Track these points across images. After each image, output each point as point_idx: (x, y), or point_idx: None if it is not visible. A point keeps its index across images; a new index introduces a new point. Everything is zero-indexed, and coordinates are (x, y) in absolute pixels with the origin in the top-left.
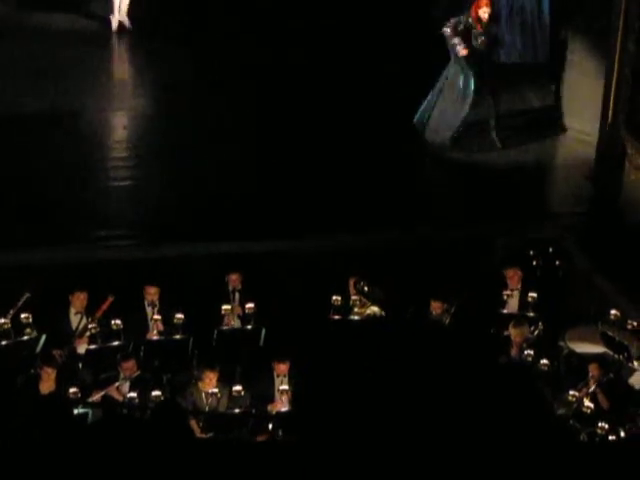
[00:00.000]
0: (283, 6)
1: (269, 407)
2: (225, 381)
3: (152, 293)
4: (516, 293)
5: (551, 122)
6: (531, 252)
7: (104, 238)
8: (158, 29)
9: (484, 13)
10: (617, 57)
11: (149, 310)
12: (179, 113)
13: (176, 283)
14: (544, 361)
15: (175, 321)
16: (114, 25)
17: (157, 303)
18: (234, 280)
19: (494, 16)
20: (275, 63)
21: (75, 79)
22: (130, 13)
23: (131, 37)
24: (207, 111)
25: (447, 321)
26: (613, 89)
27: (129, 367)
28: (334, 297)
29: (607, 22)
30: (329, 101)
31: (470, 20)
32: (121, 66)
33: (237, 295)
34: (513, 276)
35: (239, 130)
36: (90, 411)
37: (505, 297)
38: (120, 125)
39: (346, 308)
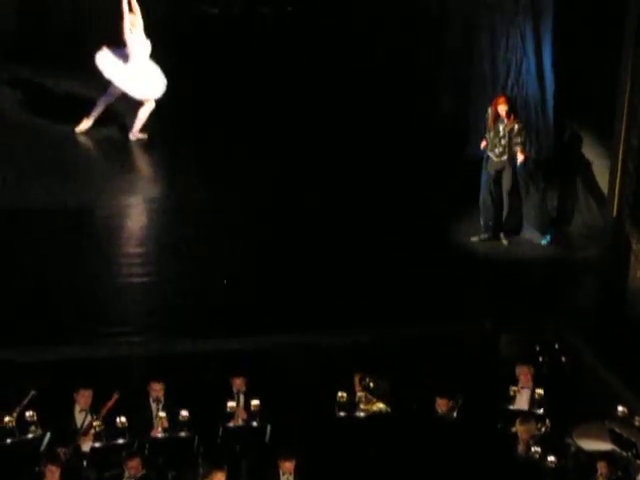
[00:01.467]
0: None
1: None
2: (231, 478)
3: (157, 389)
4: (527, 390)
5: (560, 221)
6: (537, 348)
7: (109, 335)
8: (170, 129)
9: (502, 110)
10: (621, 151)
11: (154, 406)
12: (191, 209)
13: (181, 380)
14: (551, 458)
15: (180, 418)
16: (81, 128)
17: (162, 399)
18: (238, 384)
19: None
20: (286, 181)
21: (85, 174)
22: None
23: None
24: (218, 206)
25: (454, 417)
26: (617, 183)
27: (134, 466)
28: (340, 393)
29: (611, 117)
30: (334, 192)
31: (487, 115)
32: (133, 161)
33: (242, 397)
34: (525, 373)
35: (249, 227)
36: None
37: (512, 393)
38: (129, 219)
39: (352, 404)
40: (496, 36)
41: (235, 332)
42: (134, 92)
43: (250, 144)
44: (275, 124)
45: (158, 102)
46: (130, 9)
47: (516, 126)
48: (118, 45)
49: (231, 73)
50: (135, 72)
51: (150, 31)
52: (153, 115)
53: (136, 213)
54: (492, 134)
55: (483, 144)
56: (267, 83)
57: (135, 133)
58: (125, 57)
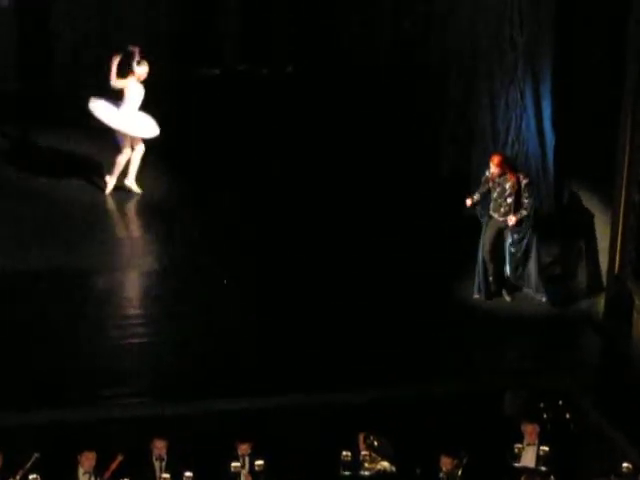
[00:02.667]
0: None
1: None
2: None
3: (160, 447)
4: (533, 448)
5: (563, 277)
6: (541, 405)
7: (113, 397)
8: (164, 187)
9: (498, 168)
10: (622, 207)
11: (157, 465)
12: (189, 269)
13: (185, 441)
14: None
15: (184, 479)
16: (109, 188)
17: (165, 457)
18: (243, 449)
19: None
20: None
21: (81, 238)
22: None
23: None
24: (217, 266)
25: (459, 476)
26: (619, 239)
27: None
28: (344, 452)
29: (611, 173)
30: (335, 249)
31: (487, 175)
32: (128, 223)
33: (247, 459)
34: (531, 431)
35: (248, 288)
36: None
37: (517, 450)
38: (128, 283)
39: (356, 464)
40: (496, 93)
41: (237, 393)
42: (133, 130)
43: (251, 204)
44: (276, 186)
45: (158, 165)
46: (139, 62)
47: (523, 182)
48: (109, 96)
49: (232, 135)
50: (130, 113)
51: (149, 93)
52: (152, 176)
53: (134, 274)
54: (495, 194)
55: (468, 202)
56: (267, 144)
57: (132, 180)
58: (118, 105)
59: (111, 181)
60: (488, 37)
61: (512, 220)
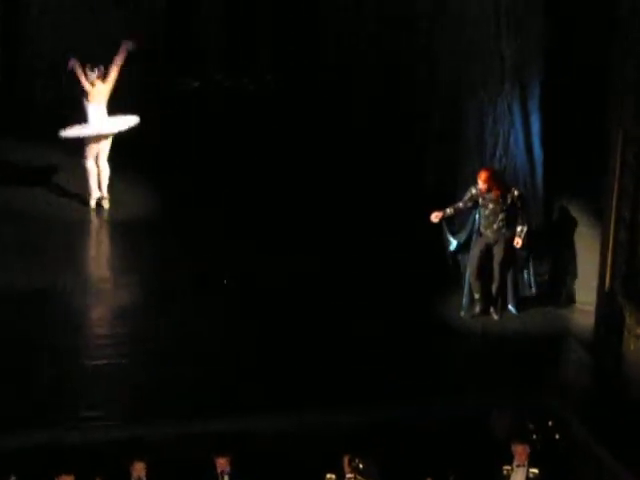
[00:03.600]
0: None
1: None
2: None
3: (139, 469)
4: (523, 469)
5: (552, 294)
6: (531, 425)
7: (90, 419)
8: (141, 202)
9: (480, 184)
10: (612, 222)
11: None
12: (168, 289)
13: (164, 462)
14: None
15: None
16: (92, 203)
17: (145, 479)
18: (222, 463)
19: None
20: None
21: (57, 258)
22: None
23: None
24: (195, 286)
25: None
26: (609, 255)
27: None
28: (328, 475)
29: (601, 188)
30: (321, 269)
31: (472, 192)
32: (104, 243)
33: (226, 477)
34: (521, 452)
35: (226, 303)
36: None
37: (505, 472)
38: (104, 300)
39: None
40: (484, 107)
41: (217, 413)
42: (111, 128)
43: (232, 218)
44: (257, 200)
45: (136, 180)
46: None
47: (516, 194)
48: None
49: (214, 148)
50: (101, 115)
51: (126, 106)
52: (129, 191)
53: (113, 294)
54: (487, 211)
55: (435, 218)
56: (250, 155)
57: (104, 192)
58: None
59: (93, 194)
60: (474, 49)
61: (519, 243)
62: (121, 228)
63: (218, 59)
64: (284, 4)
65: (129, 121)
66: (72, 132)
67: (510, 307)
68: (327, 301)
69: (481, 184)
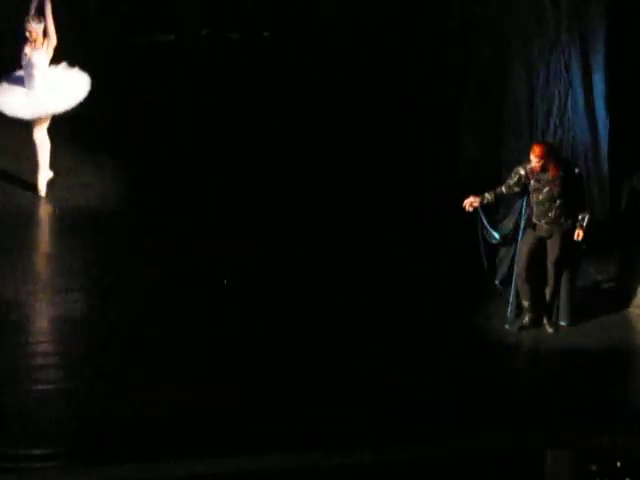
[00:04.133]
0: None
1: None
2: None
3: None
4: None
5: (614, 298)
6: (594, 467)
7: (30, 458)
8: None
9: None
10: None
11: None
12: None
13: None
14: None
15: None
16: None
17: None
18: None
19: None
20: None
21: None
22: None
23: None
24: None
25: None
26: None
27: None
28: None
29: None
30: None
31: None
32: (52, 241)
33: None
34: None
35: (198, 316)
36: None
37: None
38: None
39: None
40: (533, 65)
41: (189, 453)
42: (50, 107)
43: (215, 211)
44: (248, 185)
45: (98, 160)
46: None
47: (576, 171)
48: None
49: (194, 119)
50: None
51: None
52: (89, 174)
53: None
54: (542, 196)
55: (473, 203)
56: (241, 130)
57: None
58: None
59: (42, 178)
60: None
61: (580, 235)
62: (70, 222)
63: (199, 9)
64: None
65: (77, 90)
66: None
67: (561, 318)
68: (339, 313)
69: (534, 162)
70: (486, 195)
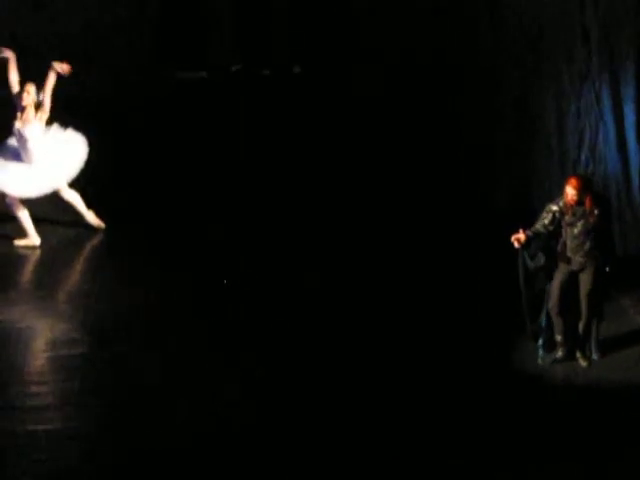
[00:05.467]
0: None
1: None
2: None
3: None
4: None
5: None
6: None
7: None
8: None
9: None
10: None
11: None
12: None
13: None
14: None
15: None
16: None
17: None
18: None
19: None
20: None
21: None
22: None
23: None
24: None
25: None
26: None
27: None
28: None
29: None
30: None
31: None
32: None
33: None
34: None
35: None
36: None
37: None
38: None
39: None
40: (564, 97)
41: None
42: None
43: (237, 240)
44: (273, 222)
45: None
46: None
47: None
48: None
49: (223, 153)
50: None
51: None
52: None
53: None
54: (576, 230)
55: (520, 238)
56: (270, 162)
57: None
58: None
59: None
60: (552, 24)
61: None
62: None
63: (231, 45)
64: None
65: (78, 155)
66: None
67: (594, 351)
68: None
69: (571, 194)
70: (527, 232)
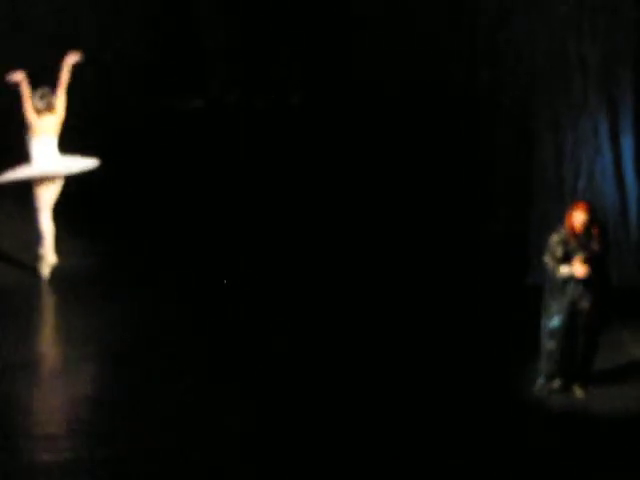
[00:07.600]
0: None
1: None
2: None
3: None
4: None
5: None
6: None
7: None
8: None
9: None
10: None
11: None
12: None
13: None
14: None
15: None
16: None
17: None
18: None
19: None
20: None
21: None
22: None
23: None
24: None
25: None
26: None
27: None
28: None
29: None
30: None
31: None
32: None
33: None
34: None
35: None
36: None
37: None
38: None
39: None
40: (561, 128)
41: None
42: (61, 168)
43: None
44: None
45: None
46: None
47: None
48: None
49: (218, 185)
50: (49, 152)
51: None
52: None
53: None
54: (582, 255)
55: (564, 271)
56: (267, 195)
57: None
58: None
59: (47, 255)
60: (549, 56)
61: (580, 272)
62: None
63: (227, 74)
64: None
65: (85, 163)
66: (9, 176)
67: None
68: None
69: (580, 218)
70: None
